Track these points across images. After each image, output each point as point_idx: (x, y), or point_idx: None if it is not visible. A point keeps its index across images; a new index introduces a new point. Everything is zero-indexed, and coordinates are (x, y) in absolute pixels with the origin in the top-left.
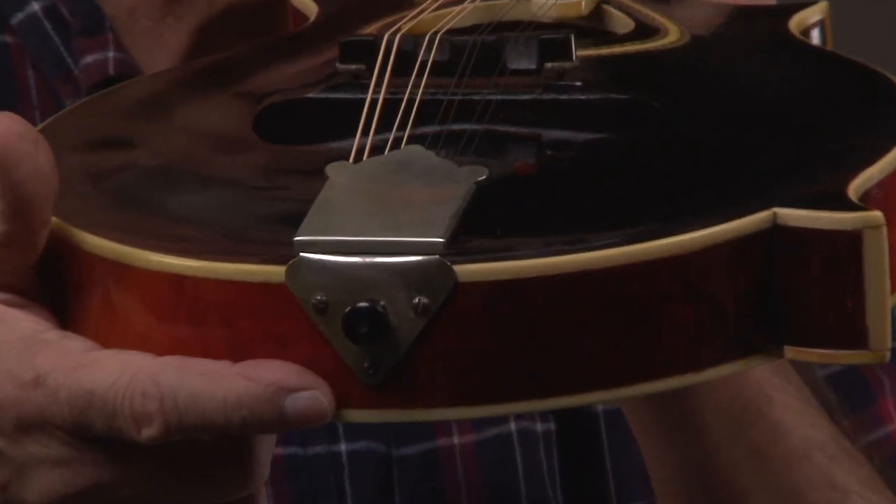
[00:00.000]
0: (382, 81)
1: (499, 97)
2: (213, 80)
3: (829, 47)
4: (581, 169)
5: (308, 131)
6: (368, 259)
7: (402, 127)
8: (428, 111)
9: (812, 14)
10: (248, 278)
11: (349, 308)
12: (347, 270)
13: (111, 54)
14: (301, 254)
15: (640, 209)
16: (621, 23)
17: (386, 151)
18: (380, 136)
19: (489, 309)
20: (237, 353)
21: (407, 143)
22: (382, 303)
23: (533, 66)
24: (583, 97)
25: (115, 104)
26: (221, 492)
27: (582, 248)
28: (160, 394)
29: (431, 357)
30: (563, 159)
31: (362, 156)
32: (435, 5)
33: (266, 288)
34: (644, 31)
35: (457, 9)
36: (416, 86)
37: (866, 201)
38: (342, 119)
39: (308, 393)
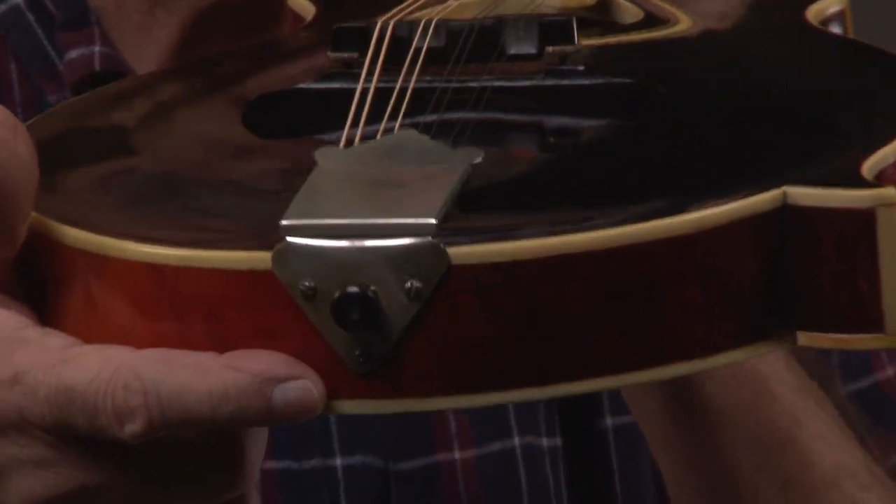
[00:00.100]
0: (375, 69)
1: (497, 84)
2: (202, 77)
3: None
4: (583, 152)
5: (298, 122)
6: (358, 242)
7: (394, 116)
8: (422, 99)
9: (830, 4)
10: (232, 266)
11: (338, 294)
12: (336, 255)
13: (97, 49)
14: (287, 238)
15: (644, 190)
16: (629, 13)
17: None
18: (371, 127)
19: (486, 293)
20: (222, 346)
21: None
22: (373, 288)
23: (533, 51)
24: (585, 82)
25: (99, 100)
26: (211, 493)
27: (585, 227)
28: (143, 388)
29: (426, 344)
30: (564, 144)
31: (353, 143)
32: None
33: (251, 276)
34: (652, 20)
35: (456, 3)
36: (411, 73)
37: (881, 181)
38: (333, 109)
39: (298, 383)
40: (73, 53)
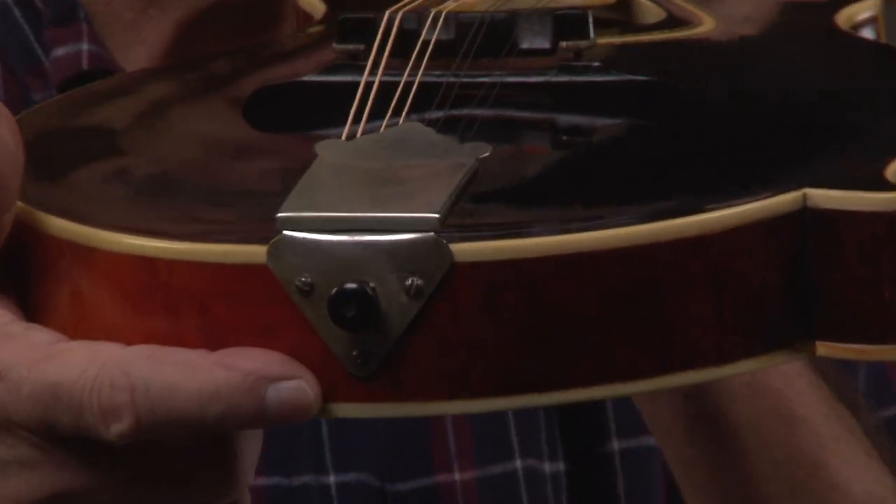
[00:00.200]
0: (381, 62)
1: (508, 79)
2: (199, 72)
3: None
4: (595, 149)
5: (300, 116)
6: (357, 237)
7: (399, 111)
8: (429, 94)
9: (862, 9)
10: (225, 259)
11: (335, 290)
12: (334, 249)
13: (85, 47)
14: (284, 232)
15: (658, 189)
16: (651, 13)
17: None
18: (375, 122)
19: (490, 292)
20: (215, 343)
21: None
22: (372, 284)
23: (546, 46)
24: (601, 78)
25: (89, 95)
26: (201, 499)
27: (595, 226)
28: (130, 385)
29: (427, 344)
30: (577, 141)
31: (356, 136)
32: None
33: (246, 270)
34: (674, 21)
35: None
36: (418, 67)
37: None
38: (337, 102)
39: (292, 383)
40: (60, 51)
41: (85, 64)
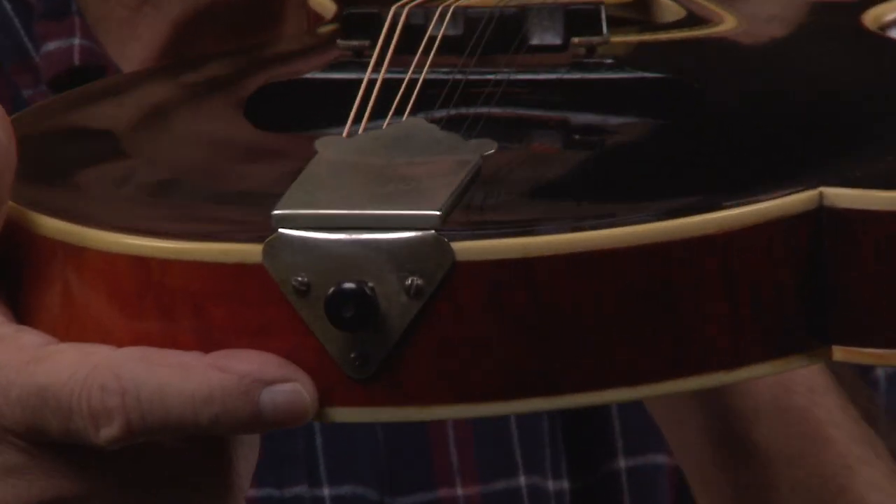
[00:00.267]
0: (387, 59)
1: (517, 77)
2: (198, 71)
3: None
4: (605, 148)
5: (302, 114)
6: (355, 235)
7: (402, 110)
8: (435, 92)
9: (890, 10)
10: (220, 259)
11: (333, 289)
12: (331, 248)
13: (77, 41)
14: (280, 230)
15: (669, 188)
16: (671, 11)
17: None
18: (377, 122)
19: (493, 292)
20: (209, 345)
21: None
22: (371, 284)
23: (558, 42)
24: (614, 76)
25: (84, 95)
26: None
27: (604, 224)
28: (121, 388)
29: (427, 346)
30: (586, 139)
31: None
32: None
33: (241, 269)
34: (694, 19)
35: None
36: (423, 64)
37: None
38: (340, 100)
39: (288, 386)
40: (52, 45)
41: (77, 59)
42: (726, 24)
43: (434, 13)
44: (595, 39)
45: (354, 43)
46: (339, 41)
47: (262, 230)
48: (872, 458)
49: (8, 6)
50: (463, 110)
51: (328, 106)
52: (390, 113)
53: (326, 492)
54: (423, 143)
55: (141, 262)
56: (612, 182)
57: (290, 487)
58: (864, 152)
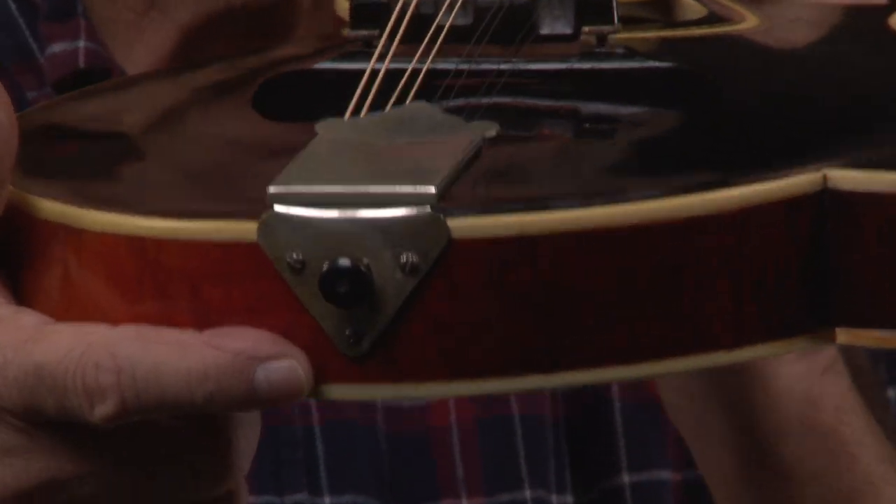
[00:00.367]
0: (393, 47)
1: (527, 66)
2: (208, 67)
3: None
4: (608, 131)
5: (310, 104)
6: (350, 212)
7: (404, 100)
8: (441, 82)
9: None
10: (215, 237)
11: (327, 266)
12: (326, 225)
13: (82, 44)
14: (275, 207)
15: (674, 169)
16: (692, 10)
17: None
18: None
19: (489, 270)
20: (205, 324)
21: None
22: (366, 261)
23: (568, 31)
24: (624, 65)
25: (85, 92)
26: (197, 488)
27: (611, 200)
28: (116, 366)
29: (423, 323)
30: (589, 125)
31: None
32: None
33: (236, 248)
34: (715, 18)
35: None
36: (432, 53)
37: None
38: (348, 90)
39: (283, 363)
40: (56, 47)
41: (82, 61)
42: (747, 22)
43: (443, 2)
44: (606, 29)
45: (363, 33)
46: (347, 31)
47: (257, 208)
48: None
49: (13, 5)
50: (469, 99)
51: (336, 96)
52: (392, 100)
53: (328, 500)
54: (424, 125)
55: (136, 242)
56: (612, 162)
57: (290, 495)
58: (870, 138)
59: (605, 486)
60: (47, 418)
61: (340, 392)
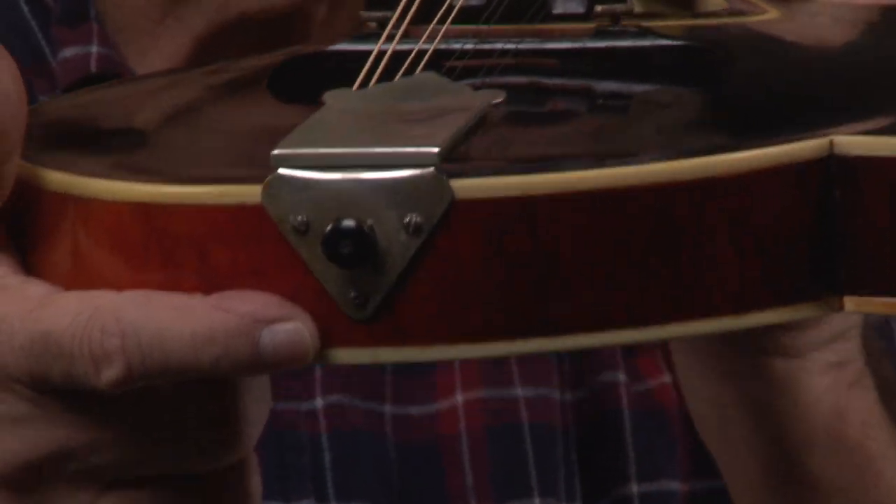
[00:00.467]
0: (403, 26)
1: (539, 46)
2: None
3: None
4: (616, 102)
5: (323, 86)
6: (354, 174)
7: None
8: (452, 61)
9: None
10: (220, 201)
11: (330, 226)
12: (330, 187)
13: (94, 49)
14: (279, 170)
15: (680, 132)
16: (713, 3)
17: None
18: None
19: (496, 230)
20: (211, 288)
21: None
22: (370, 222)
23: (581, 10)
24: (636, 43)
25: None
26: (206, 456)
27: (613, 163)
28: (121, 330)
29: (427, 285)
30: (601, 101)
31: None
32: None
33: (240, 211)
34: (734, 11)
35: None
36: (443, 34)
37: None
38: (359, 72)
39: (288, 325)
40: (69, 52)
41: (94, 66)
42: (768, 14)
43: None
44: (619, 8)
45: (378, 14)
46: (362, 13)
47: (262, 172)
48: None
49: (25, 8)
50: (483, 80)
51: (350, 77)
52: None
53: None
54: (432, 92)
55: (142, 209)
56: (621, 130)
57: (297, 501)
58: (877, 107)
59: (613, 495)
60: (55, 386)
61: (345, 356)
